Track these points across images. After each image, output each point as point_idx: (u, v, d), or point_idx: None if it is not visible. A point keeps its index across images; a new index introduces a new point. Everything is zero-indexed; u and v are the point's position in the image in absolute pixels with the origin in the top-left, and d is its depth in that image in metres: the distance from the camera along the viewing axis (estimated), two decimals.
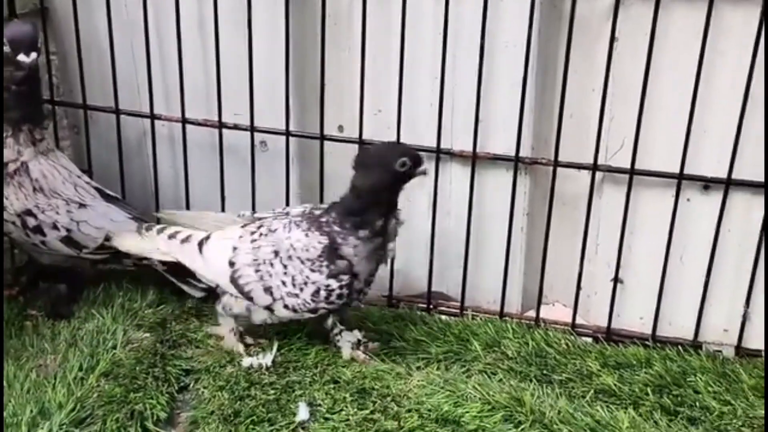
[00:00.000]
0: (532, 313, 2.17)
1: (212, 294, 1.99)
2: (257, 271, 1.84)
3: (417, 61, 2.02)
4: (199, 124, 2.18)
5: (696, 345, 2.04)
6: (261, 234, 1.86)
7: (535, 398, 1.80)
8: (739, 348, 2.02)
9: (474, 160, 2.04)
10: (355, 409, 1.77)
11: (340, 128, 2.18)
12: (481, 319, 2.13)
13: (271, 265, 1.83)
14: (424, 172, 1.81)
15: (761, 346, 2.01)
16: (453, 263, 2.17)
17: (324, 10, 2.01)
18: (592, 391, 1.86)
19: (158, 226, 1.98)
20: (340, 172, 2.18)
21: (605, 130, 1.95)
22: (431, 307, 2.19)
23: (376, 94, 2.08)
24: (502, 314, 2.14)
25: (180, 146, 2.21)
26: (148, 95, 2.18)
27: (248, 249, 1.86)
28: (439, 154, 2.05)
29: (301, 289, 1.82)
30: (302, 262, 1.81)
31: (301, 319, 1.90)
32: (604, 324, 2.10)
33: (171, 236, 1.94)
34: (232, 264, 1.86)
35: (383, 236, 1.82)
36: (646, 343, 2.05)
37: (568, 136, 1.98)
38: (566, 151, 1.99)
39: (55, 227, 2.02)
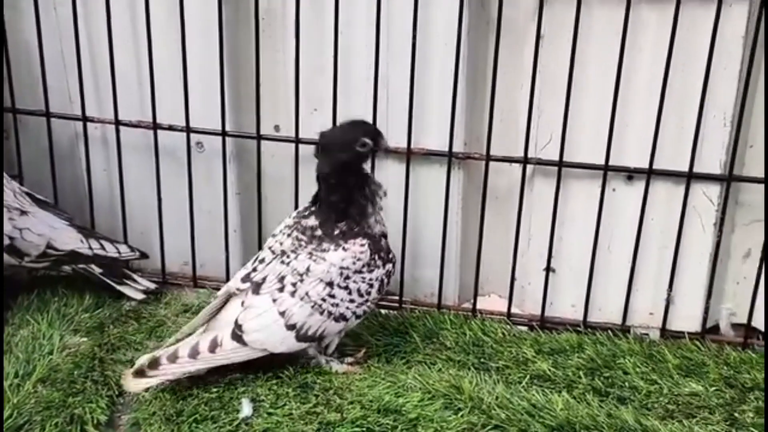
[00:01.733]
0: (468, 305, 2.22)
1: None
2: (322, 312, 1.80)
3: (351, 61, 2.06)
4: (133, 126, 2.17)
5: (624, 329, 2.12)
6: (292, 284, 1.80)
7: (474, 385, 1.85)
8: (663, 330, 2.12)
9: (408, 156, 2.08)
10: (298, 403, 1.79)
11: (276, 128, 2.20)
12: (419, 311, 2.17)
13: (332, 296, 1.80)
14: (386, 149, 1.85)
15: (684, 327, 2.11)
16: None
17: (257, 10, 2.03)
18: (527, 377, 1.92)
19: (166, 355, 1.78)
20: (278, 172, 2.22)
21: (534, 124, 2.02)
22: None
23: (311, 94, 2.10)
24: (439, 306, 2.19)
25: (114, 149, 2.20)
26: (80, 97, 2.16)
27: (297, 303, 1.79)
28: (375, 151, 2.08)
29: (369, 293, 1.82)
30: (360, 272, 1.81)
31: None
32: (538, 312, 2.17)
33: (193, 354, 1.78)
34: (292, 327, 1.79)
35: (375, 193, 1.85)
36: (578, 329, 2.13)
37: (499, 131, 2.05)
38: (498, 145, 2.05)
39: None
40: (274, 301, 1.80)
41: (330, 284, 1.79)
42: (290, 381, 1.85)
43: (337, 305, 1.80)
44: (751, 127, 1.98)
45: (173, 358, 1.78)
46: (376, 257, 1.82)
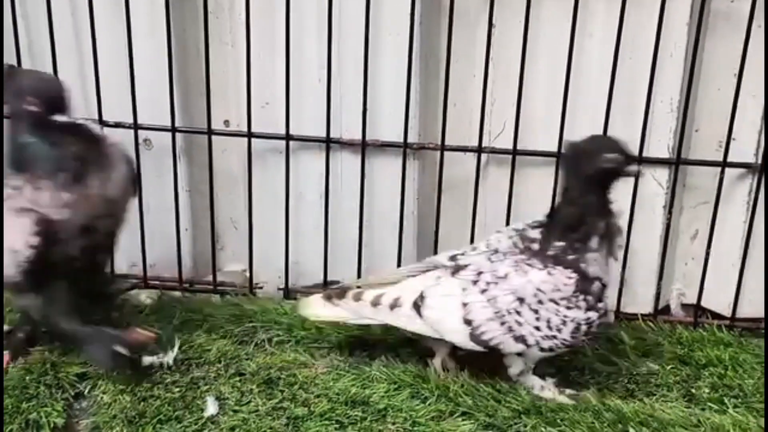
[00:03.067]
0: None
1: None
2: (503, 323, 1.72)
3: (302, 53, 2.03)
4: None
5: None
6: (488, 282, 1.74)
7: (439, 374, 1.85)
8: (618, 313, 2.16)
9: (363, 147, 2.07)
10: (264, 399, 1.76)
11: (226, 123, 2.17)
12: None
13: (518, 313, 1.72)
14: (635, 173, 1.74)
15: (637, 310, 2.16)
16: (347, 251, 2.19)
17: (205, 3, 1.99)
18: (491, 364, 1.94)
19: (352, 292, 1.84)
20: (229, 167, 2.19)
21: (488, 113, 2.04)
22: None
23: (262, 87, 2.07)
24: None
25: None
26: None
27: (482, 302, 1.73)
28: (329, 143, 2.07)
29: (559, 330, 1.72)
30: (556, 303, 1.71)
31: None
32: None
33: (375, 303, 1.80)
34: (468, 322, 1.74)
35: (612, 236, 1.74)
36: None
37: (453, 121, 2.06)
38: (452, 135, 2.06)
39: None
40: (464, 290, 1.76)
41: (521, 300, 1.72)
42: (253, 378, 1.83)
43: (520, 324, 1.72)
44: (696, 112, 2.05)
45: (357, 297, 1.83)
46: (580, 297, 1.71)
